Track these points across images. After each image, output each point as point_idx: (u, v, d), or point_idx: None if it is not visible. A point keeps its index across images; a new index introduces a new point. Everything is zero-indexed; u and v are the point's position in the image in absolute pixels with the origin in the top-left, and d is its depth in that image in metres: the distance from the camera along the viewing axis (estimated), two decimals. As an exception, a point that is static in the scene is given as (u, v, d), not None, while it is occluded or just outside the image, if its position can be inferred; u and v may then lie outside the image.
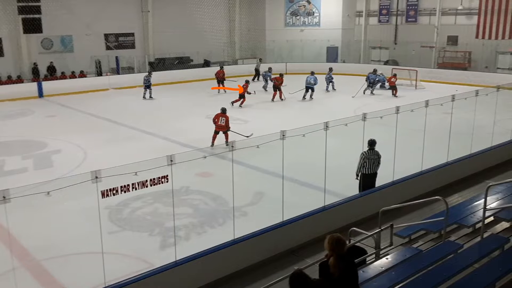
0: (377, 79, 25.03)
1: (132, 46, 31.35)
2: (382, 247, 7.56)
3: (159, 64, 30.33)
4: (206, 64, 32.52)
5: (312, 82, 23.09)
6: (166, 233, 9.08)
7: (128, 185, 6.29)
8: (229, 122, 15.00)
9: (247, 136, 13.86)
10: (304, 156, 12.45)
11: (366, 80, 24.78)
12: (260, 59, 31.94)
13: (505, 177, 10.82)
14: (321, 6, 35.12)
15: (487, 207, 6.91)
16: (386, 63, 32.97)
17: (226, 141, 14.61)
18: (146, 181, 6.43)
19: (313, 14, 35.41)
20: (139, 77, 28.48)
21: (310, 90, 23.17)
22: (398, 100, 22.13)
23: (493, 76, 25.50)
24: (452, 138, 11.98)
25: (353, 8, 35.64)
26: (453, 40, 30.32)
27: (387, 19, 34.02)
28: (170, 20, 31.04)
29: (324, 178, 9.39)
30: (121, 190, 6.33)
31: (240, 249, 7.77)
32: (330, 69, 26.16)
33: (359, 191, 10.26)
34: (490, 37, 28.25)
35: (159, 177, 6.46)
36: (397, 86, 24.05)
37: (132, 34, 31.37)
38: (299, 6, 35.52)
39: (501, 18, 27.58)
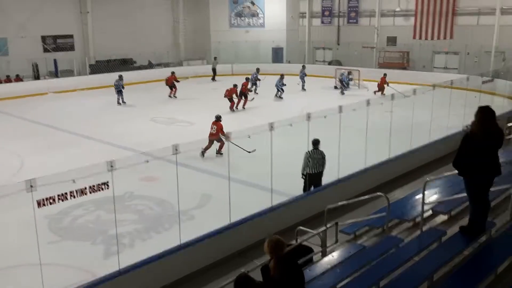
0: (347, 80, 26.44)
1: (71, 48, 30.19)
2: (328, 245, 7.67)
3: (100, 67, 29.39)
4: (150, 65, 31.91)
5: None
6: (110, 241, 8.76)
7: (66, 193, 6.02)
8: (223, 130, 13.54)
9: (249, 152, 12.66)
10: (251, 156, 12.48)
11: (339, 81, 26.15)
12: (215, 58, 31.65)
13: (442, 172, 11.25)
14: (265, 8, 35.39)
15: (425, 201, 7.16)
16: (330, 63, 33.71)
17: (218, 150, 13.56)
18: (85, 188, 6.16)
19: (258, 15, 35.62)
20: (79, 80, 27.66)
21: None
22: (342, 100, 22.64)
23: (430, 74, 26.64)
24: (393, 136, 12.39)
25: (296, 10, 36.17)
26: (392, 40, 31.44)
27: (329, 20, 34.78)
28: (111, 21, 30.17)
29: (271, 178, 9.43)
30: (59, 199, 6.05)
31: (187, 254, 7.64)
32: (303, 67, 27.44)
33: (303, 190, 10.38)
34: (426, 38, 29.54)
35: (98, 184, 6.21)
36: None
37: (71, 36, 30.20)
38: (243, 7, 35.61)
39: (436, 19, 28.91)
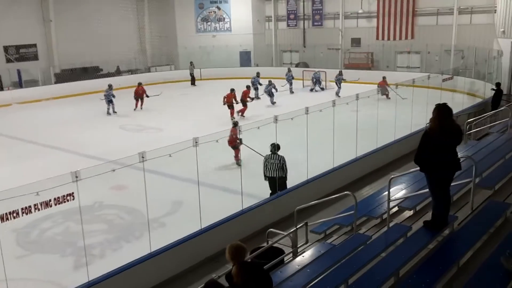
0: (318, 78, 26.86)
1: (35, 57, 29.49)
2: (299, 245, 7.77)
3: (66, 75, 28.83)
4: (118, 72, 31.51)
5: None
6: (79, 252, 8.60)
7: (30, 206, 5.90)
8: (237, 136, 12.70)
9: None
10: (220, 161, 12.50)
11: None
12: (191, 62, 31.46)
13: (407, 168, 11.56)
14: (231, 12, 35.47)
15: (391, 198, 7.35)
16: (297, 65, 34.02)
17: (236, 156, 13.24)
18: (50, 200, 6.06)
19: (224, 20, 35.66)
20: (45, 90, 27.07)
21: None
22: (309, 100, 22.83)
23: (394, 74, 27.20)
24: (359, 135, 12.63)
25: (262, 13, 36.40)
26: (356, 42, 32.03)
27: (295, 23, 35.14)
28: (75, 29, 29.63)
29: (241, 181, 9.49)
30: (23, 212, 5.94)
31: (158, 262, 7.60)
32: (289, 69, 27.40)
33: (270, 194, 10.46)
34: (389, 38, 30.23)
35: (64, 195, 6.12)
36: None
37: (35, 45, 29.49)
38: (209, 12, 35.59)
39: (397, 21, 29.63)
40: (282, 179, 10.40)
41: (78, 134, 18.14)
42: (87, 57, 29.67)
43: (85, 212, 7.78)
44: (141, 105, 22.70)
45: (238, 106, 20.02)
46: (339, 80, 24.98)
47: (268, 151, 10.54)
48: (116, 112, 21.93)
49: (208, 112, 21.65)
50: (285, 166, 10.36)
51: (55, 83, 28.84)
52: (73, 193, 6.23)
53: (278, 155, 10.33)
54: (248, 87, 21.06)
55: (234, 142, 12.68)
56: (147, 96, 22.60)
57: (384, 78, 22.99)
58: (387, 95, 21.02)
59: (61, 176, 6.12)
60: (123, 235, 9.55)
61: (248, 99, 20.27)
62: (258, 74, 25.45)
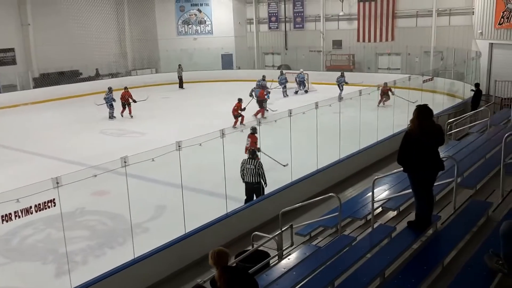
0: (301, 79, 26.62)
1: (12, 62, 28.90)
2: (284, 248, 7.76)
3: (44, 80, 28.38)
4: (97, 75, 31.15)
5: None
6: (61, 259, 8.46)
7: (10, 213, 5.77)
8: (256, 144, 12.38)
9: (284, 165, 12.27)
10: (203, 164, 12.41)
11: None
12: (180, 65, 31.13)
13: (389, 169, 11.68)
14: (212, 15, 35.39)
15: (375, 198, 7.39)
16: (279, 68, 34.10)
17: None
18: (31, 207, 5.94)
19: (205, 23, 35.56)
20: (23, 95, 26.60)
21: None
22: (292, 103, 22.90)
23: (375, 76, 27.49)
24: (342, 136, 12.71)
25: (243, 16, 36.42)
26: (337, 44, 32.25)
27: (276, 25, 35.23)
28: (53, 32, 29.10)
29: (225, 185, 9.45)
30: (3, 220, 5.81)
31: (142, 268, 7.52)
32: (281, 72, 26.78)
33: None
34: (369, 40, 30.51)
35: (44, 202, 6.01)
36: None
37: (12, 50, 28.91)
38: (190, 15, 35.46)
39: (378, 23, 29.94)
40: (258, 185, 10.23)
41: (59, 139, 17.85)
42: (67, 61, 29.19)
43: (66, 219, 7.66)
44: (129, 111, 21.46)
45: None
46: (340, 82, 23.93)
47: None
48: (115, 117, 21.40)
49: (191, 116, 21.56)
50: (262, 171, 10.20)
51: (34, 87, 28.33)
52: (54, 199, 6.13)
53: (255, 161, 10.21)
54: (239, 100, 19.27)
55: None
56: (134, 101, 21.49)
57: (385, 84, 19.68)
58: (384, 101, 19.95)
59: (42, 183, 6.00)
60: (106, 241, 9.42)
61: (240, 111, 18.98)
62: (264, 77, 24.41)
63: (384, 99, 19.80)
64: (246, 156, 10.58)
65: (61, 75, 29.09)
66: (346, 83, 23.85)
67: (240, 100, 18.91)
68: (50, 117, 22.34)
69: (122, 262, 7.42)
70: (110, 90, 21.46)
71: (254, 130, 12.32)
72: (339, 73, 25.09)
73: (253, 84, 22.60)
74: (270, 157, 12.24)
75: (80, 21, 29.27)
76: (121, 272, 7.14)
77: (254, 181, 10.15)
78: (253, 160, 10.20)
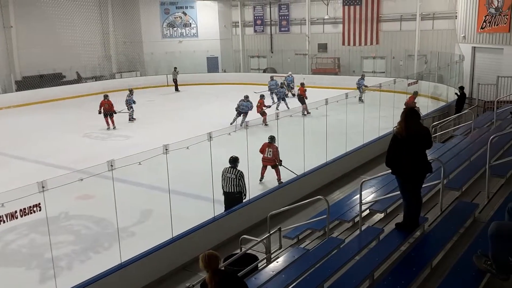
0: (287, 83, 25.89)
1: (-5, 64, 28.49)
2: (272, 251, 7.73)
3: (27, 83, 27.96)
4: (78, 78, 30.79)
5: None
6: (46, 264, 8.33)
7: (-5, 218, 5.65)
8: (278, 154, 11.91)
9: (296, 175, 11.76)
10: (190, 168, 12.34)
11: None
12: (175, 68, 30.93)
13: (377, 172, 11.73)
14: (197, 17, 35.31)
15: (362, 201, 7.41)
16: (265, 71, 34.17)
17: (278, 179, 11.92)
18: (16, 212, 5.82)
19: (190, 25, 35.46)
20: (6, 98, 26.21)
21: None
22: (280, 106, 22.90)
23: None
24: (329, 139, 12.76)
25: (229, 19, 36.40)
26: (323, 47, 32.43)
27: (262, 29, 35.30)
28: (37, 35, 28.72)
29: (212, 188, 9.39)
30: (-13, 225, 5.67)
31: (129, 272, 7.42)
32: (272, 78, 25.51)
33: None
34: (354, 44, 30.75)
35: (30, 206, 5.89)
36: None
37: (-5, 52, 28.53)
38: (175, 18, 35.31)
39: (363, 27, 30.19)
40: (239, 195, 9.77)
41: (42, 143, 17.59)
42: (50, 64, 28.86)
43: (50, 223, 7.50)
44: (113, 123, 19.59)
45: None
46: (360, 85, 23.27)
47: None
48: (135, 119, 21.05)
49: (177, 119, 21.47)
50: (242, 182, 9.70)
51: (17, 90, 27.91)
52: (39, 203, 6.01)
53: (236, 169, 9.72)
54: (262, 96, 19.60)
55: (273, 162, 11.91)
56: (115, 112, 19.65)
57: (415, 93, 18.41)
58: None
59: (27, 187, 5.89)
60: (91, 246, 9.29)
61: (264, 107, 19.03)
62: (272, 78, 24.31)
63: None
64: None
65: (44, 78, 28.70)
66: (366, 86, 22.79)
67: (262, 97, 19.12)
68: (33, 120, 22.01)
69: (109, 267, 7.32)
70: (131, 92, 21.19)
71: (272, 139, 11.84)
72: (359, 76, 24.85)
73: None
74: (288, 169, 11.80)
75: (64, 23, 28.95)
76: (108, 277, 7.04)
77: (234, 190, 9.69)
78: (233, 169, 9.71)
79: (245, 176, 9.82)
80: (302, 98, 20.51)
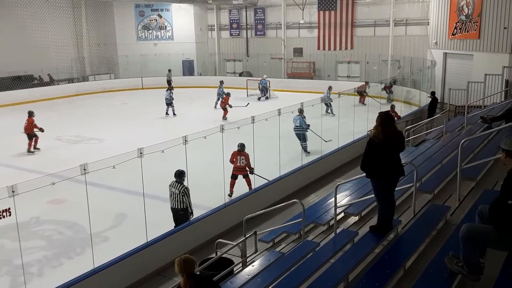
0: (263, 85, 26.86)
1: (-36, 66, 27.61)
2: (248, 255, 7.72)
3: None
4: (50, 80, 30.17)
5: None
6: (16, 271, 8.11)
7: (-39, 224, 5.45)
8: (249, 161, 11.53)
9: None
10: (166, 171, 12.22)
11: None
12: (170, 70, 30.63)
13: (350, 175, 11.89)
14: (173, 20, 35.09)
15: (337, 204, 7.46)
16: (241, 74, 34.21)
17: (250, 188, 11.36)
18: (-16, 217, 5.65)
19: (166, 28, 35.22)
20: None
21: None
22: (255, 110, 22.93)
23: (335, 83, 27.96)
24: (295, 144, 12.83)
25: (204, 22, 36.30)
26: (298, 51, 32.67)
27: (238, 32, 35.33)
28: (6, 36, 27.99)
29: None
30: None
31: (103, 278, 7.29)
32: (221, 82, 24.80)
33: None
34: (329, 48, 31.08)
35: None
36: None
37: (-42, 53, 27.64)
38: (150, 20, 35.02)
39: (337, 32, 30.56)
40: (184, 212, 9.06)
41: (12, 146, 17.13)
42: (21, 65, 28.16)
43: (21, 229, 7.32)
44: (35, 144, 16.58)
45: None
46: (325, 99, 22.27)
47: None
48: (176, 115, 22.13)
49: (152, 122, 21.25)
50: (186, 198, 8.97)
51: (-15, 92, 27.15)
52: (9, 208, 5.85)
53: (181, 184, 9.02)
54: (228, 94, 21.39)
55: (245, 171, 11.53)
56: (42, 131, 16.66)
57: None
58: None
59: (-4, 191, 5.73)
60: (63, 251, 9.10)
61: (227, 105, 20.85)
62: (221, 83, 24.68)
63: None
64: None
65: (15, 79, 28.00)
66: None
67: (228, 94, 20.78)
68: (2, 123, 21.43)
69: (81, 272, 7.17)
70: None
71: (243, 147, 11.49)
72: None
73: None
74: (263, 178, 11.50)
75: (36, 24, 28.35)
76: (80, 283, 6.90)
77: (178, 207, 9.02)
78: (178, 184, 9.01)
79: (190, 192, 9.15)
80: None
